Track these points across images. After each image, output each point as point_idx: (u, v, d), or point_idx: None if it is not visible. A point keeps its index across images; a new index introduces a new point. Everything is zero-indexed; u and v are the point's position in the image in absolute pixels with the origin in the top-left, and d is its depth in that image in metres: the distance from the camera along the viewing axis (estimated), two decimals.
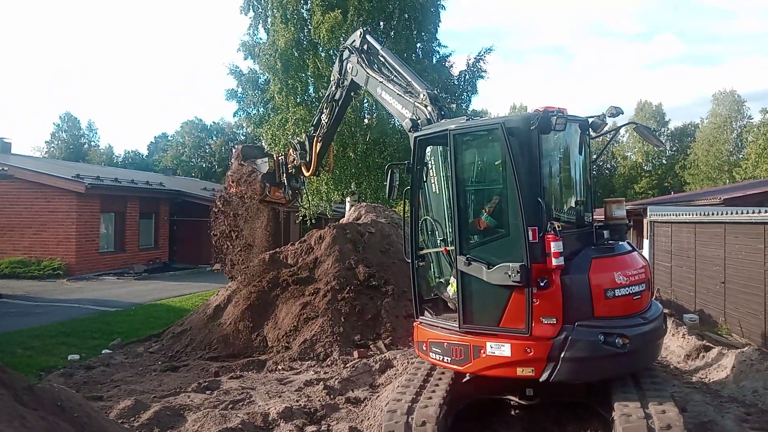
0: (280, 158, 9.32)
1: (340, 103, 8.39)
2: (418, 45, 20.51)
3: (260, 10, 20.38)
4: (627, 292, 4.92)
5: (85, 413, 4.49)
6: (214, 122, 60.22)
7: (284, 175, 9.25)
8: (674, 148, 58.20)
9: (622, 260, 5.14)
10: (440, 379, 5.27)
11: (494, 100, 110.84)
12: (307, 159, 8.95)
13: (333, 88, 8.35)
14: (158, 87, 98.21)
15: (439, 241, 5.87)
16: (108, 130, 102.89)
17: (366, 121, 19.47)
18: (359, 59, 7.65)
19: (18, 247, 19.46)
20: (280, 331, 8.75)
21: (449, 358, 5.11)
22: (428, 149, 5.92)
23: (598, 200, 6.36)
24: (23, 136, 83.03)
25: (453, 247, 5.28)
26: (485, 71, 21.20)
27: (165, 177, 31.53)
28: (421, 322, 5.61)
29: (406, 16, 19.77)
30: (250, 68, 21.27)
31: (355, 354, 8.00)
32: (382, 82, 7.08)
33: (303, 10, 19.61)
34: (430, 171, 6.02)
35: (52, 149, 58.21)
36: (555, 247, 4.59)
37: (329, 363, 7.81)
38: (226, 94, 21.74)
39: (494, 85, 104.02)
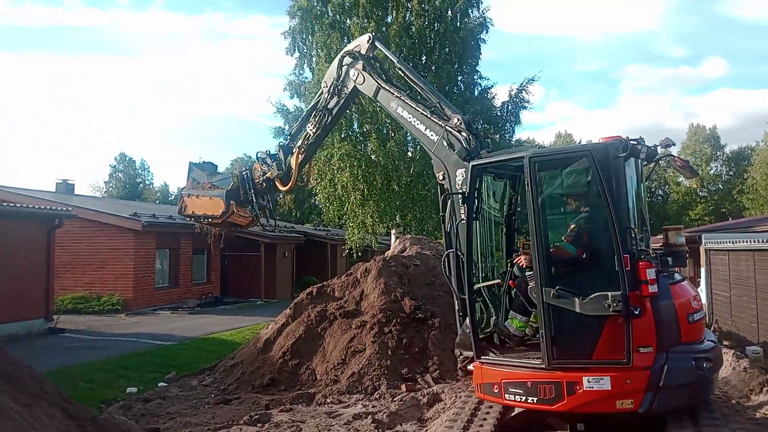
0: (244, 173, 8.05)
1: (334, 112, 7.53)
2: (460, 78, 20.79)
3: (305, 50, 21.17)
4: (699, 317, 4.99)
5: None
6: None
7: (251, 191, 7.94)
8: (731, 173, 56.14)
9: (688, 286, 5.20)
10: (488, 413, 5.24)
11: (537, 128, 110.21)
12: (285, 172, 7.83)
13: (326, 96, 7.40)
14: (208, 126, 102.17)
15: (481, 276, 5.81)
16: (161, 168, 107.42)
17: (410, 153, 19.73)
18: (366, 66, 7.00)
19: (80, 283, 20.37)
20: (328, 364, 8.85)
21: (535, 398, 4.83)
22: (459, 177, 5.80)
23: (651, 227, 6.27)
24: (84, 176, 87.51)
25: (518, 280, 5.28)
26: (528, 102, 21.28)
27: None
28: (484, 362, 5.30)
29: (447, 50, 20.14)
30: (296, 106, 21.97)
31: (403, 387, 8.00)
32: (399, 98, 6.59)
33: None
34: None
35: (110, 188, 61.13)
36: (650, 274, 4.60)
37: (377, 396, 7.83)
38: (273, 131, 22.48)
39: (536, 113, 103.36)
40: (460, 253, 5.53)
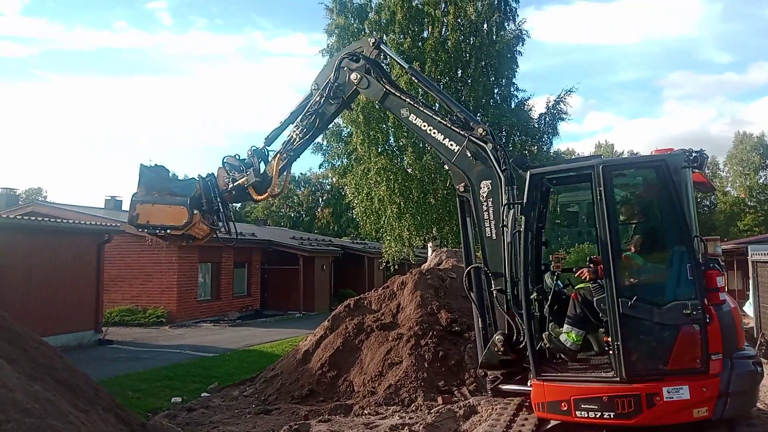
0: (208, 180, 6.98)
1: (327, 116, 6.88)
2: (496, 91, 20.81)
3: None
4: (743, 323, 5.10)
5: None
6: (301, 173, 63.07)
7: (217, 199, 6.92)
8: None
9: (727, 295, 5.19)
10: (523, 425, 5.26)
11: (576, 138, 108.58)
12: (257, 178, 6.90)
13: (317, 99, 6.69)
14: (249, 142, 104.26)
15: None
16: None
17: (446, 166, 19.82)
18: (370, 69, 6.56)
19: (126, 296, 21.11)
20: (365, 376, 8.97)
21: (612, 413, 4.72)
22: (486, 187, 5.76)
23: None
24: (131, 192, 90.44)
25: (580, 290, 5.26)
26: (566, 113, 21.10)
27: (256, 227, 33.26)
28: (548, 379, 5.11)
29: (483, 63, 20.21)
30: (334, 122, 22.35)
31: (440, 400, 8.05)
32: (413, 105, 6.29)
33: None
34: (486, 214, 5.79)
35: None
36: (720, 282, 4.69)
37: (414, 408, 7.91)
38: (311, 147, 22.89)
39: (575, 124, 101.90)
40: (485, 268, 5.58)
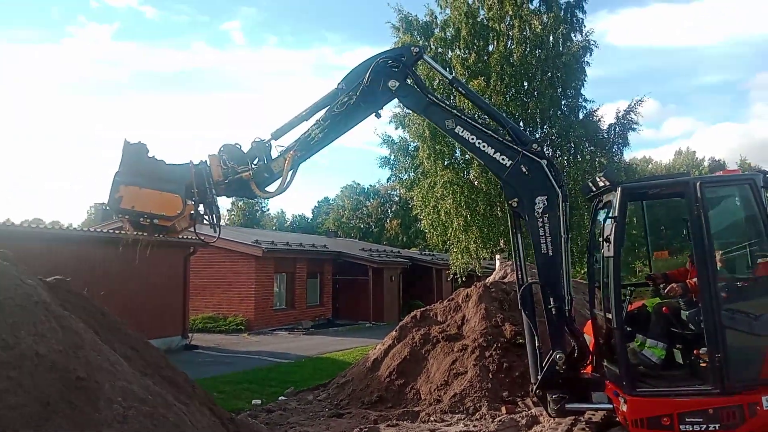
0: (203, 169, 6.13)
1: (354, 118, 6.32)
2: (563, 102, 20.70)
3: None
4: None
5: None
6: (370, 185, 64.20)
7: (212, 191, 6.18)
8: None
9: None
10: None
11: (653, 145, 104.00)
12: (266, 174, 6.26)
13: (345, 99, 6.18)
14: (320, 156, 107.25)
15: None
16: (279, 197, 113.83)
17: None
18: (411, 78, 6.30)
19: (209, 304, 22.53)
20: (431, 384, 9.36)
21: (718, 425, 4.80)
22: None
23: None
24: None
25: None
26: (637, 123, 20.64)
27: (328, 239, 34.39)
28: (645, 395, 5.12)
29: (549, 75, 20.18)
30: (401, 137, 22.91)
31: (503, 410, 8.30)
32: (461, 117, 6.12)
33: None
34: (542, 230, 5.85)
35: (232, 216, 66.20)
36: None
37: (478, 417, 8.21)
38: (380, 161, 23.57)
39: (652, 130, 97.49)
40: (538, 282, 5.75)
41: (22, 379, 3.44)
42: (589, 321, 6.43)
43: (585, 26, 20.77)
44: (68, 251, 13.54)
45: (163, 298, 16.58)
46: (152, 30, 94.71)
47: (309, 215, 69.96)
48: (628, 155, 21.36)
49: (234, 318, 21.83)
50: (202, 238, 6.68)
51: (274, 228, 58.18)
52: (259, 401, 10.33)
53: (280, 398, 10.64)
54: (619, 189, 5.38)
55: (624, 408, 5.12)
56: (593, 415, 5.82)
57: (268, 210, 70.73)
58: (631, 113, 20.49)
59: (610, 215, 5.41)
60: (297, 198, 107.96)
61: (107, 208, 6.21)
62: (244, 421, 5.57)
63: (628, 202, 5.53)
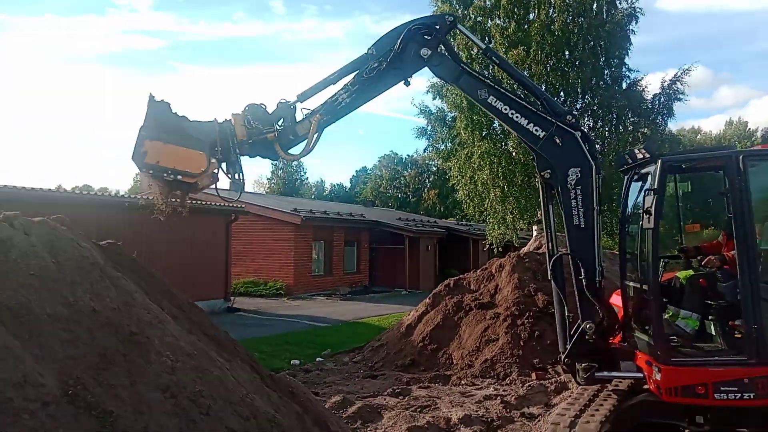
0: (227, 127, 6.05)
1: (382, 84, 6.25)
2: (606, 72, 20.14)
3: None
4: None
5: (308, 399, 5.84)
6: (408, 155, 64.05)
7: (236, 150, 6.04)
8: None
9: None
10: (606, 399, 5.62)
11: (704, 115, 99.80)
12: (291, 136, 6.22)
13: (375, 65, 6.06)
14: (357, 125, 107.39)
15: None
16: (315, 166, 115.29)
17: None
18: (443, 47, 6.18)
19: (250, 270, 23.27)
20: (463, 350, 9.61)
21: (753, 394, 4.89)
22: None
23: None
24: (250, 174, 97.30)
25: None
26: (683, 93, 19.93)
27: (365, 208, 34.77)
28: (681, 364, 5.19)
29: (592, 44, 19.61)
30: (438, 107, 22.76)
31: (533, 376, 8.50)
32: (494, 87, 6.06)
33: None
34: (574, 202, 5.84)
35: (272, 185, 67.30)
36: None
37: (508, 382, 8.44)
38: (416, 132, 23.55)
39: (703, 99, 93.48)
40: (569, 254, 5.78)
41: (81, 333, 3.79)
42: (616, 291, 6.49)
43: None
44: (116, 216, 14.20)
45: (207, 262, 17.25)
46: (192, 0, 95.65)
47: (347, 184, 70.48)
48: (674, 126, 20.72)
49: (274, 283, 22.54)
50: (224, 197, 6.52)
51: (312, 197, 58.98)
52: (297, 361, 10.80)
53: (317, 359, 11.09)
54: (659, 161, 5.36)
55: (658, 377, 5.20)
56: (619, 383, 5.92)
57: (307, 179, 71.68)
58: (678, 83, 19.82)
59: (649, 187, 5.37)
60: (335, 167, 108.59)
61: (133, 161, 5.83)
62: (283, 379, 5.91)
63: (668, 175, 5.51)
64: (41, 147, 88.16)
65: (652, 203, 5.23)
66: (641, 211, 5.41)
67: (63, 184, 55.48)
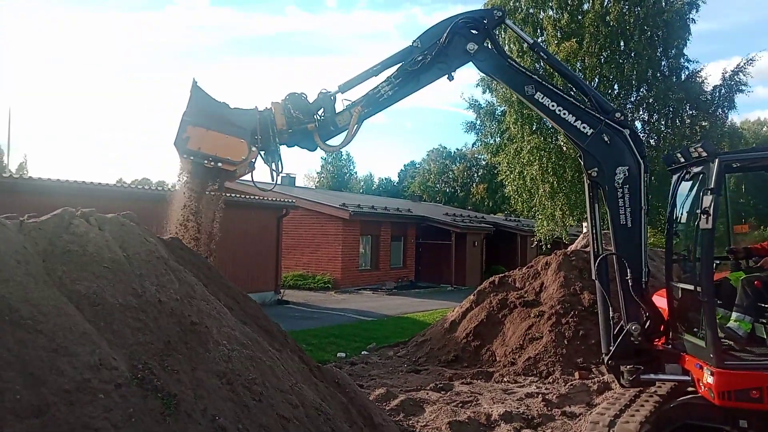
0: (268, 116, 6.02)
1: (426, 78, 6.21)
2: (663, 63, 19.55)
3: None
4: None
5: (353, 390, 6.10)
6: (456, 149, 63.71)
7: (276, 139, 6.02)
8: None
9: None
10: (647, 400, 5.63)
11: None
12: (332, 127, 6.22)
13: (420, 58, 6.04)
14: (405, 118, 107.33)
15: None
16: (364, 160, 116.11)
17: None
18: (490, 42, 6.14)
19: (299, 263, 23.88)
20: (507, 347, 9.68)
21: None
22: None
23: None
24: (300, 168, 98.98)
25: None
26: (746, 84, 19.14)
27: (412, 203, 34.90)
28: (734, 367, 5.08)
29: (648, 34, 19.08)
30: (488, 101, 22.61)
31: (576, 375, 8.50)
32: (541, 83, 6.00)
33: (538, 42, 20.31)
34: (621, 201, 5.80)
35: (321, 179, 68.31)
36: None
37: (551, 380, 8.48)
38: (465, 126, 23.49)
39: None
40: (615, 253, 5.76)
41: (149, 322, 4.14)
42: (657, 291, 6.43)
43: None
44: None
45: (259, 256, 17.86)
46: None
47: (395, 179, 70.74)
48: (737, 118, 19.89)
49: (322, 276, 23.05)
50: (260, 186, 6.47)
51: (361, 191, 59.54)
52: (343, 354, 11.13)
53: (362, 352, 11.38)
54: (717, 160, 5.22)
55: (710, 380, 5.14)
56: (660, 386, 5.89)
57: (356, 173, 72.36)
58: (740, 73, 19.04)
59: (707, 187, 5.22)
60: (383, 161, 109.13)
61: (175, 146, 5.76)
62: (330, 370, 6.19)
63: (726, 174, 5.42)
64: (105, 143, 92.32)
65: (710, 203, 5.14)
66: (698, 211, 5.31)
67: (123, 178, 58.07)
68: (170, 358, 3.98)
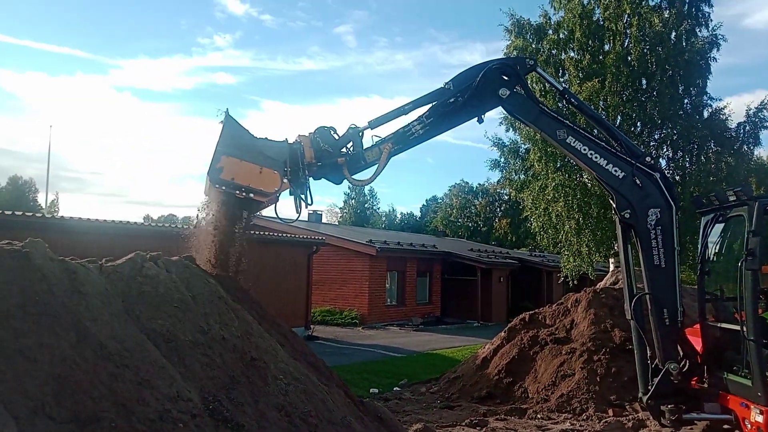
0: (298, 149, 6.07)
1: (456, 119, 6.43)
2: (685, 101, 19.77)
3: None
4: None
5: (395, 425, 6.33)
6: (479, 184, 63.99)
7: (305, 172, 6.06)
8: None
9: None
10: None
11: None
12: (361, 162, 6.34)
13: (452, 100, 6.28)
14: (426, 153, 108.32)
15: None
16: (386, 195, 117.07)
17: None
18: (522, 88, 6.38)
19: (327, 298, 24.16)
20: (539, 384, 9.78)
21: None
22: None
23: None
24: (323, 202, 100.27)
25: None
26: None
27: (436, 239, 35.15)
28: None
29: (670, 73, 19.36)
30: (511, 138, 22.94)
31: (610, 412, 8.56)
32: (573, 128, 6.21)
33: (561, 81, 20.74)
34: (654, 242, 5.99)
35: (344, 214, 68.96)
36: None
37: (584, 417, 8.54)
38: (489, 164, 23.81)
39: None
40: (649, 293, 5.93)
41: (215, 357, 4.49)
42: (687, 329, 6.55)
43: (712, 20, 19.62)
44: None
45: (290, 292, 18.22)
46: (270, 36, 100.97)
47: (417, 213, 71.08)
48: (764, 152, 19.82)
49: (349, 312, 23.28)
50: (283, 219, 6.50)
51: (383, 226, 59.93)
52: (376, 390, 11.29)
53: (395, 389, 11.53)
54: (757, 203, 5.47)
55: (759, 419, 5.23)
56: (694, 425, 5.96)
57: (378, 208, 72.97)
58: (764, 110, 19.15)
59: (749, 230, 5.46)
60: (405, 196, 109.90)
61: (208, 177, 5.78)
62: (373, 405, 6.45)
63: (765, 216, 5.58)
64: (140, 178, 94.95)
65: (756, 245, 5.36)
66: (744, 252, 5.49)
67: (150, 213, 59.41)
68: (235, 391, 4.31)
